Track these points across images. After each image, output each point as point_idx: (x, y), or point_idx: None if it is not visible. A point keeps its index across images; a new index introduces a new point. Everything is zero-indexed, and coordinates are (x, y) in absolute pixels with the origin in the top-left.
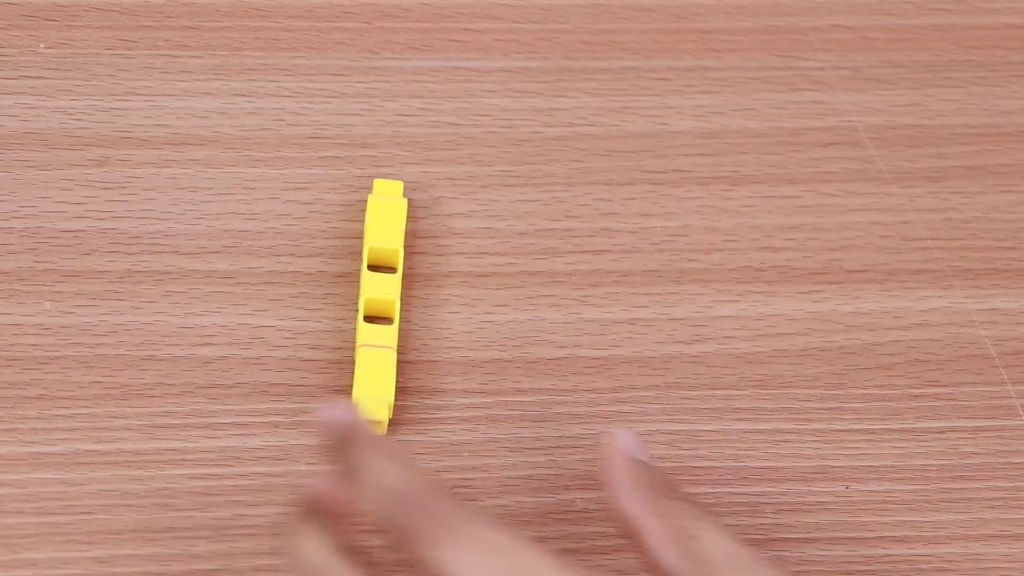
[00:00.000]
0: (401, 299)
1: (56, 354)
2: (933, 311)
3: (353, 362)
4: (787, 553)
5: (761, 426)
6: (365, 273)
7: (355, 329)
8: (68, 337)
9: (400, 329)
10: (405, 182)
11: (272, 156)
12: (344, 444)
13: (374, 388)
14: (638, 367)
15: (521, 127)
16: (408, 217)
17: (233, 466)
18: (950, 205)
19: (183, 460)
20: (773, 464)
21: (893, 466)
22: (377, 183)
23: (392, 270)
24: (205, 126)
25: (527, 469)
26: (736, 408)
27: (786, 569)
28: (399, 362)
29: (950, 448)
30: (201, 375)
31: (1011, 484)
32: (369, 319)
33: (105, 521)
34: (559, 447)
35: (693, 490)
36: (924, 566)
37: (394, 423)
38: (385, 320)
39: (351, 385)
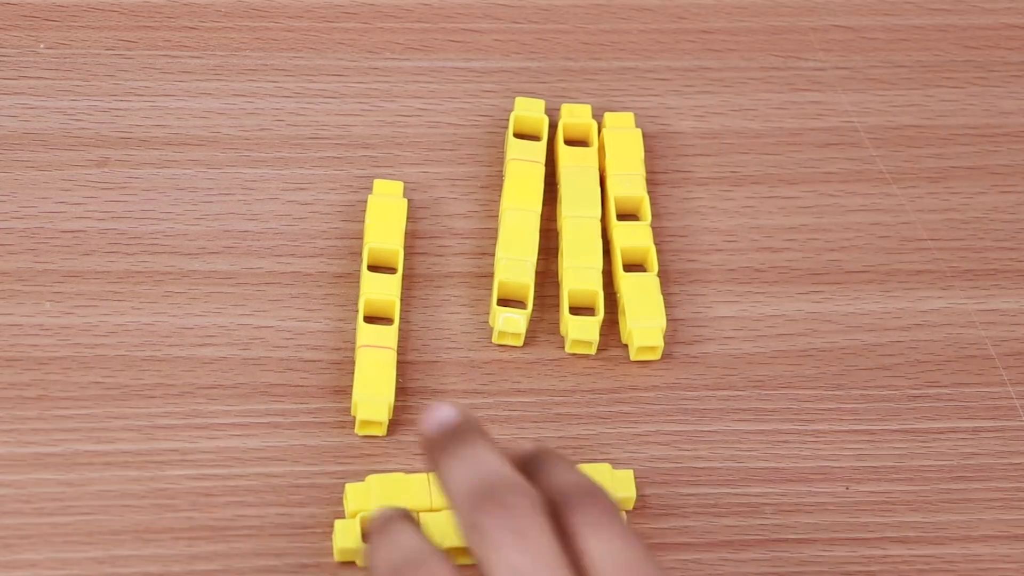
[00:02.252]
0: (401, 299)
1: (56, 354)
2: (933, 311)
3: (353, 362)
4: (787, 553)
5: (761, 426)
6: (365, 273)
7: (355, 329)
8: (68, 337)
9: (400, 329)
10: (405, 182)
11: (272, 156)
12: (443, 441)
13: (374, 388)
14: (637, 367)
15: None
16: (408, 217)
17: (233, 466)
18: (950, 205)
19: (183, 460)
20: (773, 464)
21: (893, 466)
22: (377, 183)
23: (392, 270)
24: (205, 126)
25: None
26: (736, 408)
27: None
28: (399, 362)
29: (950, 448)
30: (201, 375)
31: (1011, 485)
32: (369, 319)
33: (105, 522)
34: (559, 447)
35: (693, 490)
36: (924, 566)
37: (394, 423)
38: (385, 320)
39: (351, 385)
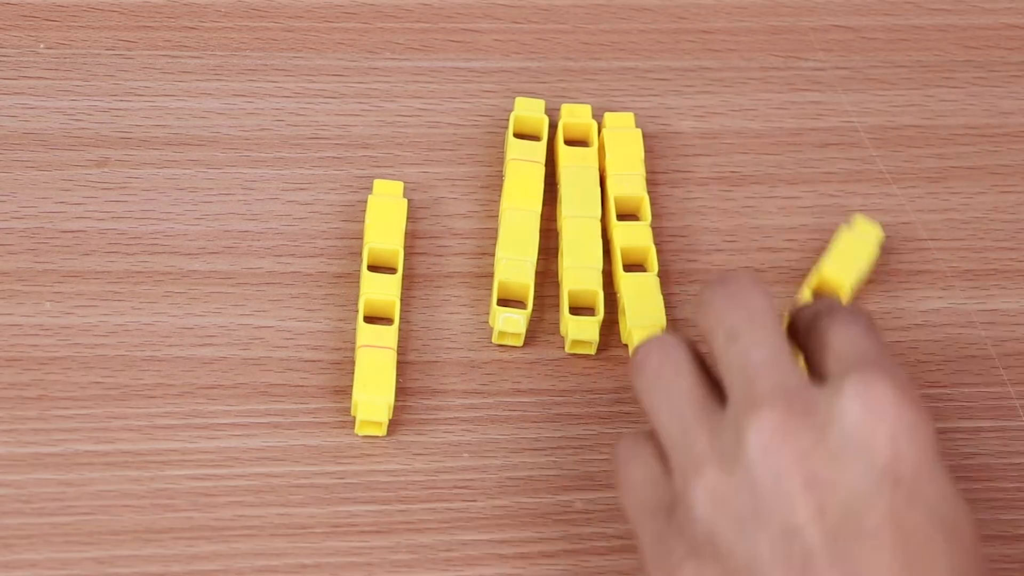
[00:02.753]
0: (401, 299)
1: (56, 354)
2: (933, 311)
3: (353, 363)
4: None
5: None
6: (365, 273)
7: (355, 330)
8: (68, 337)
9: (400, 329)
10: (405, 182)
11: (272, 156)
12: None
13: (374, 389)
14: None
15: None
16: (408, 217)
17: (233, 466)
18: (950, 205)
19: (183, 460)
20: None
21: None
22: (377, 183)
23: (392, 270)
24: (205, 126)
25: (527, 470)
26: None
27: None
28: (399, 362)
29: (950, 448)
30: (201, 376)
31: (1011, 485)
32: (369, 320)
33: (105, 522)
34: (559, 447)
35: None
36: None
37: (394, 423)
38: (385, 321)
39: (351, 385)
